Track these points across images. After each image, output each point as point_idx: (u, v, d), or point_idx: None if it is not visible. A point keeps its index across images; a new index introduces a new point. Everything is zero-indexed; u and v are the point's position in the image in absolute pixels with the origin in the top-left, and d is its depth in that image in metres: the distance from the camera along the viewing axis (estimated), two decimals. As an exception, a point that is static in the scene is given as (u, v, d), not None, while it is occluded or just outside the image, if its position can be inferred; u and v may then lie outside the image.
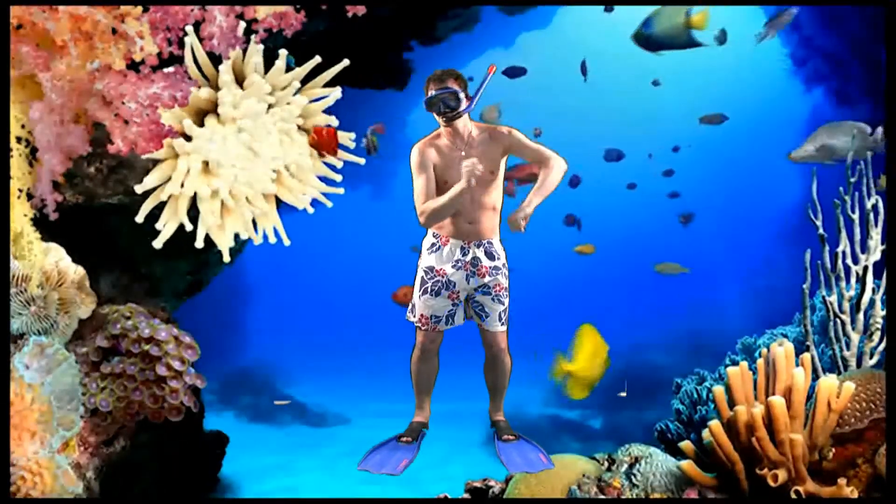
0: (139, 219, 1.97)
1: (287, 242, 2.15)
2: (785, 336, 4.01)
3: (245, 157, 2.00)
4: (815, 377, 2.60)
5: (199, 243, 1.99)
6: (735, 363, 2.49)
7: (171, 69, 1.91)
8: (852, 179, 2.92)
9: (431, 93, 2.34)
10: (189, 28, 1.89)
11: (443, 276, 2.45)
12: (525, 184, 5.00)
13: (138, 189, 1.96)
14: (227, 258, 2.07)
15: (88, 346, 2.43)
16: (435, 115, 2.38)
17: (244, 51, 2.00)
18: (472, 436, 6.38)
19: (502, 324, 2.52)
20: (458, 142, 2.40)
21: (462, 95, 2.35)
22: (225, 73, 1.96)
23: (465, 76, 2.43)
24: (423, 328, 2.52)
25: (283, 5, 1.98)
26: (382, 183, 12.26)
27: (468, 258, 2.44)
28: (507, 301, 2.51)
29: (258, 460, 5.66)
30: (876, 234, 2.86)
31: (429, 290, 2.48)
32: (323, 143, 2.09)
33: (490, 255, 2.46)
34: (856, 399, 2.32)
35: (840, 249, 2.88)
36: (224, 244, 2.05)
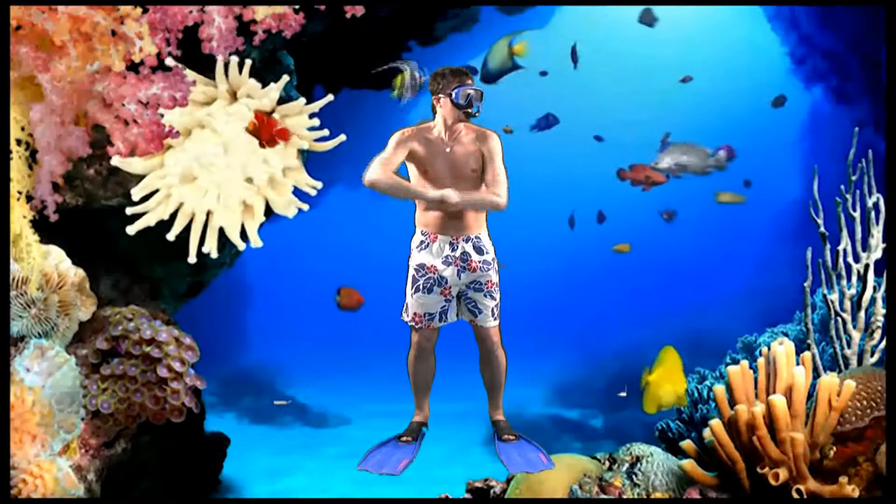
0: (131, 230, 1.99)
1: (256, 245, 2.13)
2: (785, 334, 4.01)
3: (225, 165, 2.01)
4: (816, 376, 2.60)
5: (192, 258, 2.02)
6: (735, 362, 2.49)
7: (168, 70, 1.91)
8: (853, 178, 2.92)
9: (459, 87, 2.35)
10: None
11: (434, 273, 2.46)
12: (638, 185, 5.15)
13: (135, 196, 1.98)
14: (214, 253, 2.06)
15: (89, 349, 2.43)
16: (454, 106, 2.36)
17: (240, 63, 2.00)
18: (473, 436, 6.37)
19: (495, 318, 2.53)
20: (448, 136, 2.41)
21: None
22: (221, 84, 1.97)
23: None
24: (417, 327, 2.52)
25: (281, 6, 1.98)
26: (382, 183, 12.22)
27: (457, 253, 2.45)
28: (498, 296, 2.52)
29: (259, 461, 5.66)
30: (877, 232, 2.86)
31: (421, 287, 2.47)
32: (263, 131, 2.03)
33: (479, 250, 2.46)
34: (857, 397, 2.32)
35: (841, 247, 2.88)
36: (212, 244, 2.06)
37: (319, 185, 2.14)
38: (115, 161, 1.94)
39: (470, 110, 2.37)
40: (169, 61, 1.91)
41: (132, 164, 1.96)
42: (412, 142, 2.40)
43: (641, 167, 5.14)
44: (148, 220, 2.01)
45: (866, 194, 2.89)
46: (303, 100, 2.10)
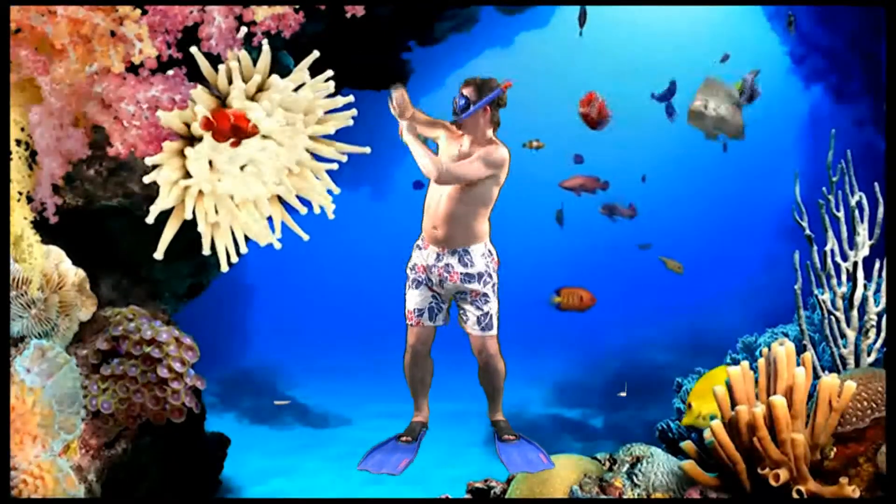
0: (150, 220, 1.99)
1: (306, 237, 2.19)
2: (786, 335, 4.00)
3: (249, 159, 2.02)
4: (815, 377, 2.60)
5: (206, 250, 2.03)
6: (736, 362, 2.49)
7: (170, 71, 1.91)
8: (834, 179, 2.94)
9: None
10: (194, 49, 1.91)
11: (423, 273, 2.52)
12: (571, 191, 5.19)
13: (152, 203, 1.98)
14: (224, 267, 2.09)
15: (89, 349, 2.43)
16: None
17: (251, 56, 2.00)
18: (474, 436, 6.38)
19: (482, 329, 2.51)
20: (463, 140, 2.49)
21: (467, 104, 2.40)
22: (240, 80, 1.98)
23: (465, 76, 2.46)
24: (412, 324, 2.56)
25: (281, 6, 1.98)
26: (382, 183, 12.24)
27: (441, 263, 2.48)
28: (487, 307, 2.50)
29: (260, 462, 5.66)
30: (863, 231, 2.87)
31: (411, 283, 2.56)
32: (223, 130, 1.89)
33: (464, 263, 2.47)
34: (857, 398, 2.32)
35: (828, 248, 2.89)
36: (222, 249, 2.07)
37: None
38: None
39: (455, 118, 2.43)
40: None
41: None
42: (442, 130, 2.51)
43: (579, 177, 5.20)
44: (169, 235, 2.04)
45: (849, 194, 2.90)
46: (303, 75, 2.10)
